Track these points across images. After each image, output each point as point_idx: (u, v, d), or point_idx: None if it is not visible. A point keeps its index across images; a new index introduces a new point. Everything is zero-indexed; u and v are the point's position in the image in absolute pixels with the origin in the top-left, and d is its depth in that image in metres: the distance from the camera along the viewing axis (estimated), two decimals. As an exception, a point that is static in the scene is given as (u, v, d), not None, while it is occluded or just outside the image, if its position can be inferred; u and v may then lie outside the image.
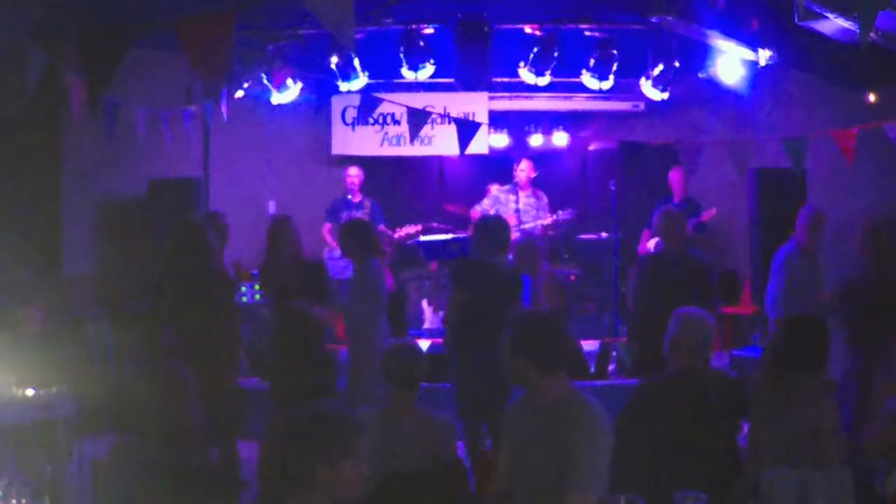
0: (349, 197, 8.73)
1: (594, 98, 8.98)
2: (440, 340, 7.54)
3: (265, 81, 8.06)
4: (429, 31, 8.14)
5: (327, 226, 8.67)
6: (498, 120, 9.22)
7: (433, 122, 8.53)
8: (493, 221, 5.98)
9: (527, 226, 8.50)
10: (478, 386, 5.33)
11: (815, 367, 3.96)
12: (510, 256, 6.84)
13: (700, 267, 5.99)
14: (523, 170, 8.66)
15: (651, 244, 7.89)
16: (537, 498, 3.15)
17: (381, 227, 8.65)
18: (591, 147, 8.71)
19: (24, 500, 3.20)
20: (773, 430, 3.80)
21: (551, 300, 6.41)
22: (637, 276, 6.33)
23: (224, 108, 6.57)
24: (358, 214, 8.54)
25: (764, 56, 7.37)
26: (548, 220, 8.55)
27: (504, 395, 4.66)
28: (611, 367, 7.62)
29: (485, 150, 9.01)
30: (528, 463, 3.20)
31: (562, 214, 8.54)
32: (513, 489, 3.29)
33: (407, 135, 8.08)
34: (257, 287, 7.72)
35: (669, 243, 6.13)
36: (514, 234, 8.46)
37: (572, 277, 8.80)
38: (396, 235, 8.59)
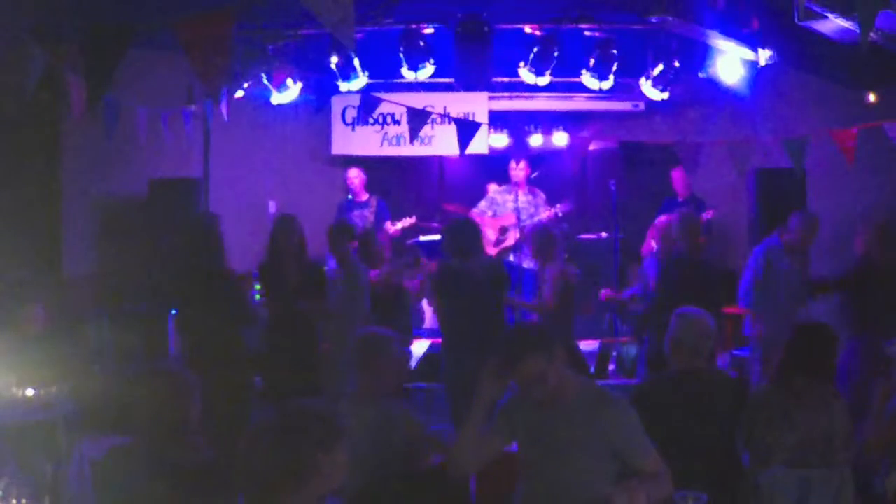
0: (351, 198, 8.76)
1: (594, 98, 8.97)
2: (440, 340, 7.57)
3: (265, 81, 8.06)
4: (429, 31, 8.14)
5: None
6: (498, 120, 9.21)
7: (433, 122, 8.52)
8: (458, 225, 6.01)
9: (526, 223, 8.51)
10: (468, 388, 5.34)
11: (823, 373, 3.97)
12: (494, 254, 6.82)
13: (723, 272, 6.11)
14: (521, 169, 8.68)
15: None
16: (576, 489, 3.14)
17: (388, 223, 8.68)
18: (591, 147, 8.68)
19: (24, 500, 3.20)
20: (785, 435, 3.80)
21: (555, 295, 6.37)
22: (660, 279, 6.35)
23: (224, 108, 6.57)
24: (365, 213, 8.61)
25: (764, 56, 7.37)
26: (547, 214, 8.55)
27: None
28: (611, 367, 7.62)
29: (485, 150, 9.00)
30: (558, 457, 3.17)
31: (561, 207, 8.54)
32: (533, 486, 3.28)
33: (407, 135, 8.07)
34: (258, 287, 7.71)
35: (689, 246, 6.18)
36: (515, 233, 8.54)
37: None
38: (393, 231, 8.61)
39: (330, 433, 2.49)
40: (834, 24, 5.81)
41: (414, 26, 8.00)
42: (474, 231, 5.87)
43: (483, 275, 5.72)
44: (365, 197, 8.79)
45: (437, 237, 8.58)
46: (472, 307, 5.57)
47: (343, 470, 2.52)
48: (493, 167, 9.41)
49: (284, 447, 2.43)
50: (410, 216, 8.71)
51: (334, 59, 8.08)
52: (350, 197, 8.77)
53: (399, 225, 8.63)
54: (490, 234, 8.58)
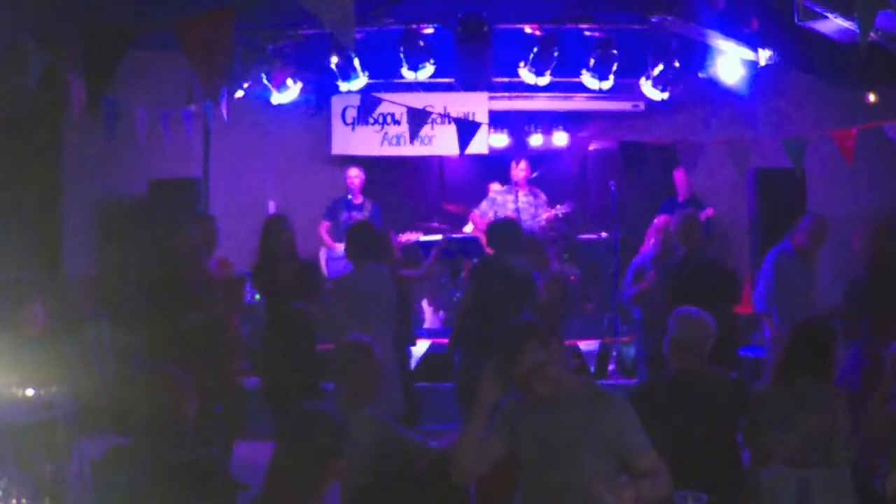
0: (350, 197, 8.73)
1: (594, 98, 8.97)
2: (440, 340, 7.57)
3: (265, 81, 8.06)
4: (429, 31, 8.14)
5: (325, 224, 8.67)
6: (498, 120, 9.21)
7: (433, 122, 8.51)
8: (502, 224, 6.08)
9: (527, 223, 8.50)
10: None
11: (824, 373, 3.97)
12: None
13: (726, 272, 6.09)
14: (522, 169, 8.67)
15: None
16: (578, 487, 3.13)
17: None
18: (591, 147, 8.69)
19: (24, 500, 3.20)
20: (786, 434, 3.80)
21: (549, 296, 6.35)
22: (665, 281, 6.34)
23: (224, 108, 6.57)
24: (358, 216, 8.54)
25: (764, 56, 7.38)
26: (547, 216, 8.53)
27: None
28: (611, 367, 7.62)
29: (485, 150, 9.00)
30: (559, 456, 3.17)
31: (560, 209, 8.54)
32: (535, 485, 3.27)
33: (407, 135, 8.08)
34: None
35: (690, 246, 6.18)
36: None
37: (572, 278, 8.80)
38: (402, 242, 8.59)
39: (341, 440, 2.53)
40: (834, 24, 5.81)
41: (414, 26, 8.00)
42: (517, 230, 6.00)
43: (517, 274, 5.74)
44: (360, 200, 8.73)
45: (437, 237, 8.57)
46: (499, 303, 5.54)
47: (344, 471, 2.55)
48: (493, 167, 9.41)
49: (298, 454, 2.46)
50: (413, 231, 8.63)
51: (334, 59, 8.07)
52: (349, 197, 8.74)
53: (402, 238, 8.55)
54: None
